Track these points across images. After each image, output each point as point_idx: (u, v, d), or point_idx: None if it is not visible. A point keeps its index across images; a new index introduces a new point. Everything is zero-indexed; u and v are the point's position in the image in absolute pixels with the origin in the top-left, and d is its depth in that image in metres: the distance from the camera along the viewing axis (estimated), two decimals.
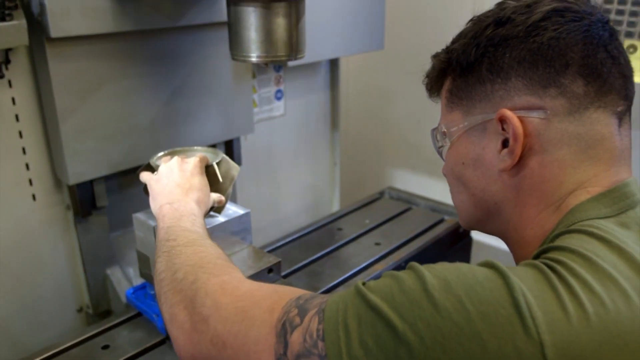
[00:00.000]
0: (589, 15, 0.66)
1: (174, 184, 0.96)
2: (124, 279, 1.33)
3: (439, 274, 0.54)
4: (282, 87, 1.63)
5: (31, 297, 1.25)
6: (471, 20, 0.73)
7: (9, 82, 1.13)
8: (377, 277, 1.28)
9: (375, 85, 2.32)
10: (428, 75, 0.78)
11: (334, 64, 1.78)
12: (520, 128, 0.64)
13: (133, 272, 1.34)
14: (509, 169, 0.66)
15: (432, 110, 2.41)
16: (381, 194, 1.72)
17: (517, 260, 0.71)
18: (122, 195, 1.34)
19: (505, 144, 0.66)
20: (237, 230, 1.10)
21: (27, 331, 1.25)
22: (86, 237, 1.29)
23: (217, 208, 1.07)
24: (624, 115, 0.67)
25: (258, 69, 1.54)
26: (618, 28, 1.36)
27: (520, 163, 0.66)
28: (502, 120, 0.65)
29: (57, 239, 1.27)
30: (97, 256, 1.32)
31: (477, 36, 0.69)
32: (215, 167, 1.04)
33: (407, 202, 1.64)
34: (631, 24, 1.34)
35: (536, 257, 0.59)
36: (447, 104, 0.75)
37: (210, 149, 1.14)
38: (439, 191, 2.17)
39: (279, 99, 1.64)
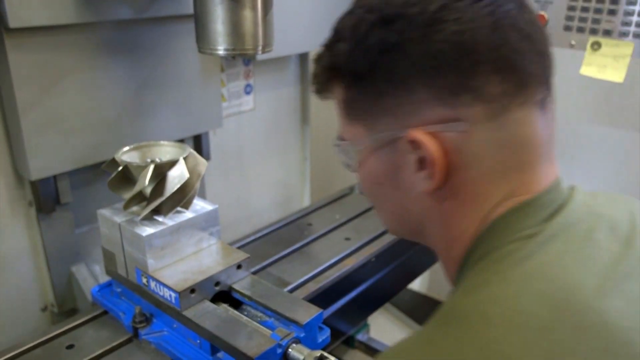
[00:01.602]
0: None
1: None
2: (89, 277, 1.29)
3: None
4: (251, 81, 1.61)
5: None
6: (349, 11, 0.61)
7: None
8: (347, 272, 1.26)
9: None
10: (316, 79, 0.65)
11: (303, 58, 1.76)
12: (437, 150, 0.54)
13: (99, 269, 1.30)
14: (432, 192, 0.58)
15: None
16: (351, 189, 1.71)
17: (449, 277, 0.65)
18: (88, 190, 1.30)
19: (420, 163, 0.56)
20: (205, 226, 1.08)
21: None
22: (50, 234, 1.25)
23: (185, 203, 1.04)
24: (545, 100, 0.58)
25: (227, 63, 1.51)
26: (583, 25, 1.37)
27: (443, 183, 0.57)
28: (413, 142, 0.55)
29: (20, 236, 1.23)
30: (62, 253, 1.28)
31: (361, 40, 0.57)
32: (183, 162, 1.02)
33: None
34: (595, 21, 1.35)
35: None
36: (345, 115, 0.63)
37: (177, 144, 1.11)
38: None
39: (248, 93, 1.61)
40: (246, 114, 1.63)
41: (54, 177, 1.20)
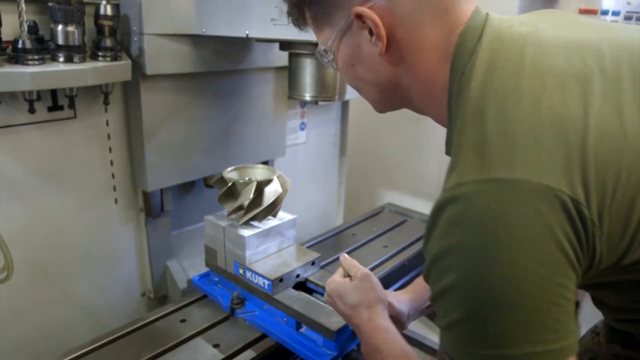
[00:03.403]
0: None
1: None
2: (180, 270, 1.43)
3: None
4: (305, 120, 1.78)
5: (107, 281, 1.35)
6: None
7: (106, 107, 1.25)
8: (387, 272, 1.38)
9: (375, 121, 2.44)
10: (291, 15, 0.78)
11: (345, 103, 1.94)
12: (374, 15, 0.65)
13: (188, 265, 1.45)
14: (387, 50, 0.67)
15: (421, 142, 2.56)
16: (382, 208, 1.86)
17: (440, 120, 0.72)
18: (182, 202, 1.46)
19: (371, 31, 0.67)
20: (286, 231, 1.23)
21: (101, 309, 1.35)
22: (153, 235, 1.40)
23: (275, 212, 1.20)
24: None
25: (289, 106, 1.67)
26: None
27: (391, 40, 0.67)
28: (359, 17, 0.67)
29: (131, 235, 1.38)
30: (161, 250, 1.43)
31: None
32: (277, 180, 1.18)
33: (404, 215, 1.79)
34: None
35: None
36: (315, 28, 0.76)
37: (266, 166, 1.27)
38: (428, 207, 2.27)
39: (302, 129, 1.78)
40: (300, 146, 1.80)
41: (161, 190, 1.35)
